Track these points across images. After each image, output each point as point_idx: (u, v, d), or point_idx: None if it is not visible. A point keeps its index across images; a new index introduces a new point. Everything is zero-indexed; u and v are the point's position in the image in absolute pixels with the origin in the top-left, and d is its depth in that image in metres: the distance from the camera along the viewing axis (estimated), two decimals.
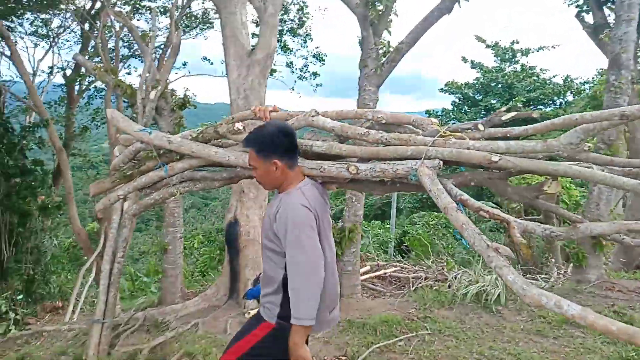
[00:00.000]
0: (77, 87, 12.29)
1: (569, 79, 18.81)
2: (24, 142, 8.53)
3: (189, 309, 5.60)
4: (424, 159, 1.79)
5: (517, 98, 16.92)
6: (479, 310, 4.93)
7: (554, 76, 19.03)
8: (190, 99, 6.05)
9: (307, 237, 1.86)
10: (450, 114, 19.95)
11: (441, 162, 1.78)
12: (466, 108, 19.85)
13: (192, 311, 5.59)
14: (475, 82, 19.67)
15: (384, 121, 2.02)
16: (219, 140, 2.41)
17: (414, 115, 2.01)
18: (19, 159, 8.16)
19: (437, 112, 19.72)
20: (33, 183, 8.33)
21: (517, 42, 19.11)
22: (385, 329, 4.45)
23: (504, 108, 1.83)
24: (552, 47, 18.95)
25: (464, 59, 20.14)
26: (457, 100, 20.38)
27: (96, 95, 13.03)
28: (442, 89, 20.13)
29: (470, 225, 1.56)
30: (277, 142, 1.95)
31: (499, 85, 18.79)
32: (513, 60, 19.26)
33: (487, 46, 19.48)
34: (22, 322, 6.11)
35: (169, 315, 5.39)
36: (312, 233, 1.88)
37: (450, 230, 10.70)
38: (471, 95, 19.79)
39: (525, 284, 1.38)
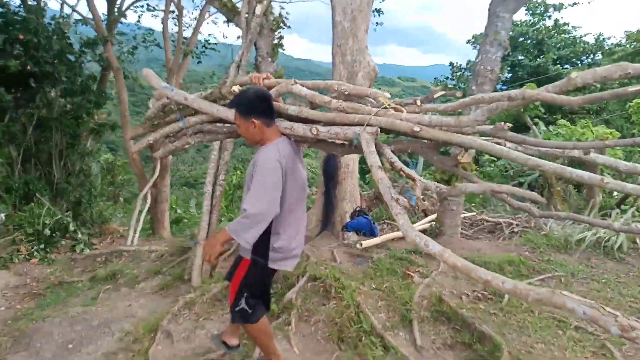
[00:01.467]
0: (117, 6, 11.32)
1: (600, 38, 17.47)
2: (82, 58, 8.28)
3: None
4: (366, 125, 2.15)
5: (547, 55, 16.01)
6: (601, 257, 5.01)
7: (586, 34, 17.75)
8: (284, 20, 5.88)
9: (268, 180, 2.31)
10: None
11: (378, 129, 2.13)
12: None
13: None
14: None
15: (347, 92, 2.38)
16: (223, 99, 2.90)
17: (371, 89, 2.36)
18: (78, 75, 8.01)
19: (461, 64, 19.07)
20: (90, 101, 8.18)
21: None
22: (513, 269, 4.66)
23: (437, 88, 2.13)
24: (588, 2, 17.51)
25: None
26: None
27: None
28: (469, 40, 19.23)
29: (385, 181, 1.93)
30: (255, 105, 2.41)
31: (528, 41, 17.76)
32: (545, 14, 18.06)
33: None
34: (88, 242, 6.60)
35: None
36: (274, 180, 2.33)
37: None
38: None
39: (408, 227, 1.74)
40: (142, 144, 3.42)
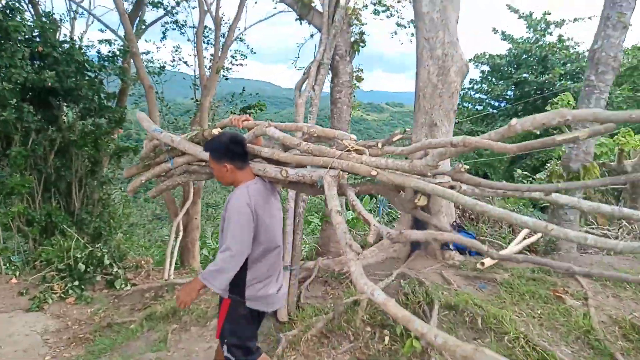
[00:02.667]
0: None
1: None
2: (102, 73, 7.78)
3: (367, 260, 5.25)
4: (329, 168, 2.20)
5: (554, 70, 15.68)
6: None
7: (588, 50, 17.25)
8: (358, 15, 5.66)
9: (237, 226, 2.38)
10: (481, 84, 19.32)
11: (340, 172, 2.18)
12: (495, 80, 19.11)
13: (371, 262, 5.24)
14: (507, 53, 18.74)
15: (316, 135, 2.45)
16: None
17: (338, 132, 2.41)
18: (98, 92, 7.49)
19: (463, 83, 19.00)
20: (111, 120, 7.71)
21: (549, 14, 17.78)
22: None
23: (397, 131, 2.17)
24: (589, 18, 17.31)
25: (495, 30, 19.12)
26: (485, 71, 19.67)
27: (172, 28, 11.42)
28: (470, 59, 19.14)
29: (342, 226, 1.96)
30: (227, 149, 2.50)
31: (532, 58, 17.49)
32: (546, 31, 17.79)
33: (520, 17, 18.26)
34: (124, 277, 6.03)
35: (346, 265, 4.64)
36: (244, 225, 2.39)
37: None
38: (502, 67, 18.90)
39: (358, 275, 1.76)
40: (136, 184, 3.55)
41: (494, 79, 19.42)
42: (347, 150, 2.22)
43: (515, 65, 18.64)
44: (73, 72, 7.13)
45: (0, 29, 6.34)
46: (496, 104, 19.73)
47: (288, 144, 2.49)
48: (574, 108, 10.17)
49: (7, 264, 6.27)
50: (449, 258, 5.09)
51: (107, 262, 6.04)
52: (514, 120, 1.63)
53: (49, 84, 6.57)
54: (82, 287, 5.64)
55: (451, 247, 5.15)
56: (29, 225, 6.90)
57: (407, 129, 2.06)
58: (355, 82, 6.14)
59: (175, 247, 7.73)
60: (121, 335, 4.39)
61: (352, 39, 5.68)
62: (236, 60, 12.08)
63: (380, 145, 2.19)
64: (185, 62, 12.46)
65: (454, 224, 5.40)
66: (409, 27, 9.56)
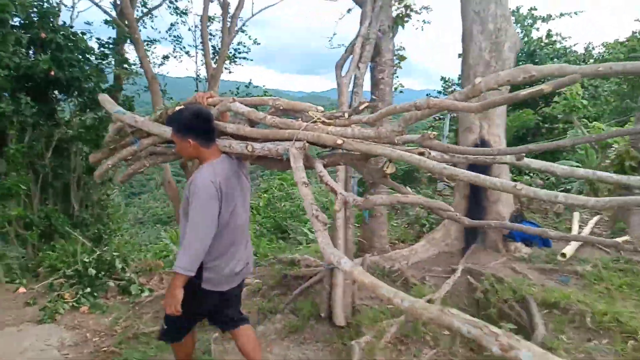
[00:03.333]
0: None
1: (590, 47, 17.44)
2: (103, 62, 7.25)
3: (419, 255, 4.97)
4: (295, 140, 2.12)
5: (545, 64, 15.81)
6: None
7: (575, 44, 17.65)
8: None
9: (203, 204, 2.29)
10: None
11: (306, 144, 2.10)
12: None
13: (423, 257, 4.96)
14: None
15: (282, 107, 2.36)
16: None
17: (306, 104, 2.33)
18: (102, 81, 6.98)
19: (453, 79, 19.01)
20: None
21: (535, 9, 17.77)
22: None
23: (363, 99, 2.10)
24: (575, 13, 17.40)
25: None
26: None
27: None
28: (460, 54, 18.90)
29: (309, 198, 1.89)
30: (191, 124, 2.39)
31: (520, 53, 17.65)
32: (533, 27, 17.91)
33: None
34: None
35: (397, 261, 4.76)
36: (209, 203, 2.31)
37: None
38: None
39: (326, 245, 1.69)
40: (102, 169, 3.42)
41: None
42: (314, 122, 2.14)
43: None
44: (76, 60, 6.58)
45: None
46: None
47: (253, 119, 2.40)
48: (583, 98, 10.20)
49: (8, 271, 5.72)
50: (515, 250, 4.72)
51: (118, 266, 5.46)
52: (477, 79, 1.57)
53: (52, 72, 5.99)
54: (95, 294, 5.06)
55: (515, 239, 4.75)
56: (27, 229, 6.35)
57: (374, 97, 1.98)
58: (397, 60, 5.57)
59: None
60: (153, 347, 3.87)
61: (395, 14, 5.21)
62: (239, 53, 11.50)
63: (347, 115, 2.12)
64: (187, 52, 11.73)
65: (515, 214, 5.00)
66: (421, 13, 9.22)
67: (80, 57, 6.67)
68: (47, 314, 4.59)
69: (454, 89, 18.69)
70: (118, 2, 8.99)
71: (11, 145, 6.16)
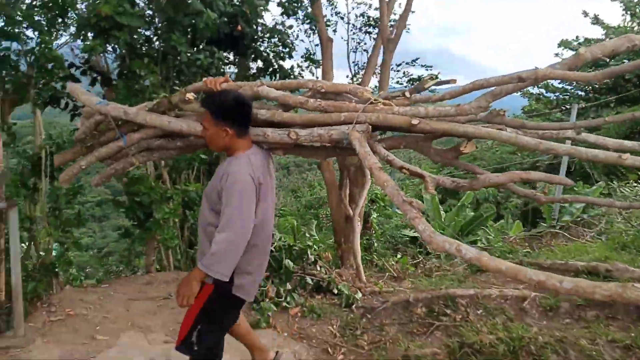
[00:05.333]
0: None
1: None
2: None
3: None
4: (355, 123, 1.95)
5: None
6: None
7: None
8: None
9: (242, 202, 2.02)
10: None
11: (370, 126, 1.94)
12: (585, 68, 16.53)
13: None
14: (603, 39, 15.65)
15: (323, 90, 2.16)
16: (174, 110, 2.54)
17: (351, 85, 2.16)
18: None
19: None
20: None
21: None
22: None
23: (428, 76, 1.99)
24: None
25: (585, 13, 16.24)
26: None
27: None
28: (560, 43, 16.50)
29: (391, 183, 1.74)
30: (232, 110, 2.10)
31: None
32: None
33: None
34: None
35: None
36: (248, 200, 2.05)
37: None
38: None
39: (432, 232, 1.56)
40: (72, 171, 2.91)
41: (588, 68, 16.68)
42: (371, 103, 1.98)
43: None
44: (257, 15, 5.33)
45: None
46: (583, 94, 16.19)
47: (292, 103, 2.17)
48: None
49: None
50: None
51: (311, 258, 4.58)
52: (582, 49, 1.55)
53: (239, 27, 4.89)
54: (295, 291, 4.26)
55: None
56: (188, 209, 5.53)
57: (436, 74, 1.87)
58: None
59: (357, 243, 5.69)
60: None
61: None
62: None
63: (407, 94, 1.99)
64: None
65: None
66: None
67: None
68: (262, 317, 3.78)
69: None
70: None
71: None
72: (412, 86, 2.03)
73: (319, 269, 4.52)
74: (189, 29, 4.64)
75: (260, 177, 2.13)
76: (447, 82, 1.96)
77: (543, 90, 15.89)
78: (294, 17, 6.04)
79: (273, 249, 4.32)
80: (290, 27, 5.95)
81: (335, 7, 8.58)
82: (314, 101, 2.10)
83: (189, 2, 4.16)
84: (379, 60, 7.00)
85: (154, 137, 2.63)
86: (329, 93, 2.17)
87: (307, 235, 7.96)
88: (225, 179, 2.07)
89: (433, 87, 1.93)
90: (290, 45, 5.70)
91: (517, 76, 1.60)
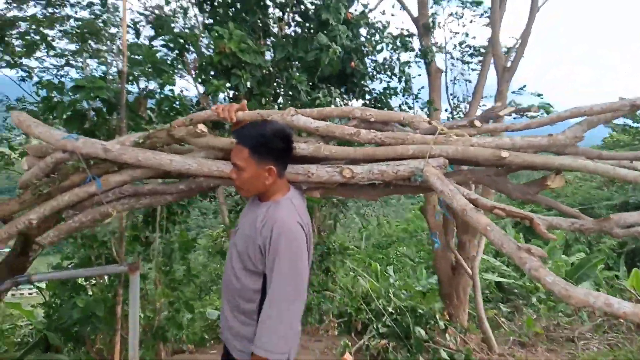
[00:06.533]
0: None
1: None
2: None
3: None
4: (428, 157, 1.68)
5: None
6: None
7: None
8: None
9: (300, 263, 1.63)
10: None
11: (447, 161, 1.69)
12: None
13: None
14: None
15: (372, 119, 1.87)
16: (172, 143, 2.05)
17: (404, 113, 1.90)
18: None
19: None
20: None
21: None
22: None
23: (499, 103, 1.81)
24: None
25: None
26: None
27: None
28: None
29: (495, 227, 1.49)
30: (276, 146, 1.70)
31: None
32: None
33: None
34: None
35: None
36: (303, 254, 1.66)
37: None
38: None
39: (567, 285, 1.34)
40: (15, 227, 2.22)
41: None
42: (440, 133, 1.74)
43: None
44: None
45: None
46: None
47: (336, 136, 1.84)
48: None
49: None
50: None
51: (440, 324, 3.94)
52: None
53: (353, 63, 4.47)
54: None
55: None
56: None
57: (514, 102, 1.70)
58: None
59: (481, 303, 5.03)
60: None
61: None
62: None
63: (478, 123, 1.78)
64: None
65: None
66: None
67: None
68: None
69: None
70: None
71: None
72: (481, 114, 1.83)
73: (448, 337, 3.99)
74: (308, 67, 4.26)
75: (307, 224, 1.75)
76: (527, 109, 1.79)
77: (630, 121, 12.85)
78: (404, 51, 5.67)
79: (392, 311, 3.81)
80: (407, 63, 5.56)
81: (434, 38, 8.11)
82: (367, 132, 1.80)
83: (313, 36, 3.85)
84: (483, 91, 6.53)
85: (135, 180, 2.10)
86: (377, 123, 1.89)
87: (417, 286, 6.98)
88: (268, 230, 1.65)
89: (531, 114, 1.74)
90: (408, 78, 5.43)
91: (629, 103, 1.47)
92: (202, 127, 1.89)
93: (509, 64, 5.90)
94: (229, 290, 1.80)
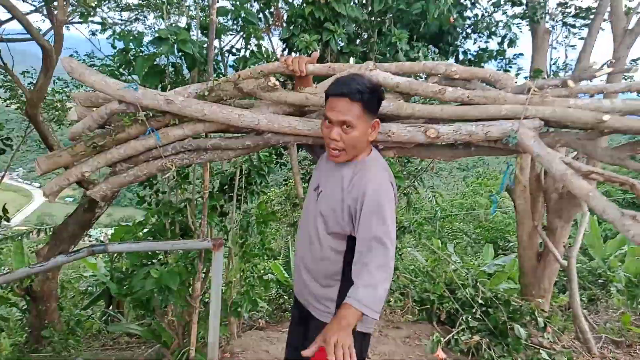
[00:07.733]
0: None
1: None
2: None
3: None
4: (522, 118, 1.61)
5: None
6: None
7: None
8: None
9: (392, 221, 1.57)
10: None
11: (542, 123, 1.62)
12: None
13: None
14: None
15: (457, 76, 1.77)
16: (236, 97, 1.93)
17: (490, 70, 1.80)
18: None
19: None
20: None
21: None
22: None
23: (593, 61, 1.72)
24: None
25: None
26: None
27: None
28: None
29: (597, 193, 1.44)
30: (380, 99, 1.63)
31: None
32: None
33: None
34: None
35: None
36: (393, 215, 1.60)
37: None
38: None
39: None
40: (67, 180, 2.13)
41: None
42: (534, 93, 1.65)
43: None
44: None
45: None
46: None
47: (418, 93, 1.74)
48: None
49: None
50: None
51: (540, 321, 3.59)
52: None
53: (452, 18, 3.81)
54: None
55: None
56: None
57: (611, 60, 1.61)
58: None
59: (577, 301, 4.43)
60: None
61: None
62: None
63: (571, 83, 1.69)
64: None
65: None
66: None
67: None
68: None
69: None
70: None
71: None
72: (575, 74, 1.74)
73: (545, 336, 3.59)
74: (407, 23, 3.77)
75: (395, 185, 1.69)
76: (628, 69, 1.70)
77: None
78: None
79: (481, 302, 3.62)
80: (515, 17, 4.77)
81: None
82: (454, 90, 1.70)
83: None
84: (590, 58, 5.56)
85: (194, 135, 2.00)
86: (462, 79, 1.79)
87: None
88: (360, 191, 1.58)
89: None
90: (513, 38, 4.58)
91: None
92: (274, 80, 1.78)
93: (630, 26, 4.66)
94: (310, 255, 1.75)
